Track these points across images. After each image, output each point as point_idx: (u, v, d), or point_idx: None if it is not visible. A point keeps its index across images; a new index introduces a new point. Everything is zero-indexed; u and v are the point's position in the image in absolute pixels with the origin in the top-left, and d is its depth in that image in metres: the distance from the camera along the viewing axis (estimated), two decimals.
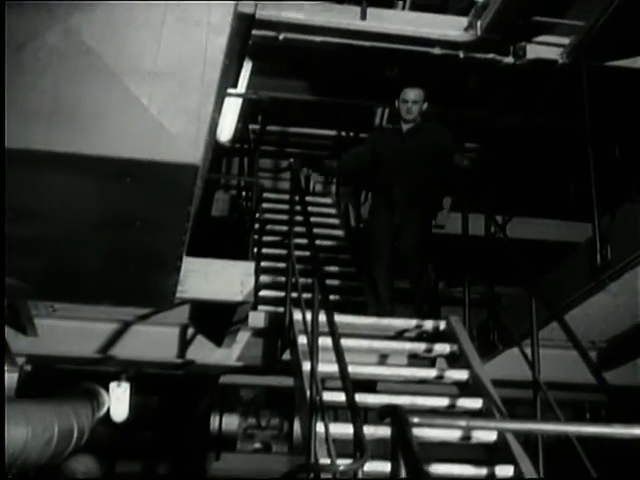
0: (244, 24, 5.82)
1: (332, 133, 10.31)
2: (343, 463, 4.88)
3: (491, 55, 7.60)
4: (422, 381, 6.50)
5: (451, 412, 6.06)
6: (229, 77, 6.10)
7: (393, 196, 7.30)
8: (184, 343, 7.79)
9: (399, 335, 6.90)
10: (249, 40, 6.67)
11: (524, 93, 8.31)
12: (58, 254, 5.27)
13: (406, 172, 7.30)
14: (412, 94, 7.30)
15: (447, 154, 7.37)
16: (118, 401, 9.36)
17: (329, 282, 6.70)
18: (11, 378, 7.09)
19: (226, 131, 8.44)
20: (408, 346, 6.71)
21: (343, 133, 10.20)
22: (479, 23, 7.44)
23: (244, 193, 8.80)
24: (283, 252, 7.50)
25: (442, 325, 6.81)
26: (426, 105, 7.40)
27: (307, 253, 6.56)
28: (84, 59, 4.05)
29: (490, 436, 5.74)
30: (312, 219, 6.99)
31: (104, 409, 9.22)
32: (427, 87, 7.36)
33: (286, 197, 8.15)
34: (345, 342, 5.69)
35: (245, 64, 7.47)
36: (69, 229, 4.85)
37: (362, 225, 9.01)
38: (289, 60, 8.52)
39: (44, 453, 6.83)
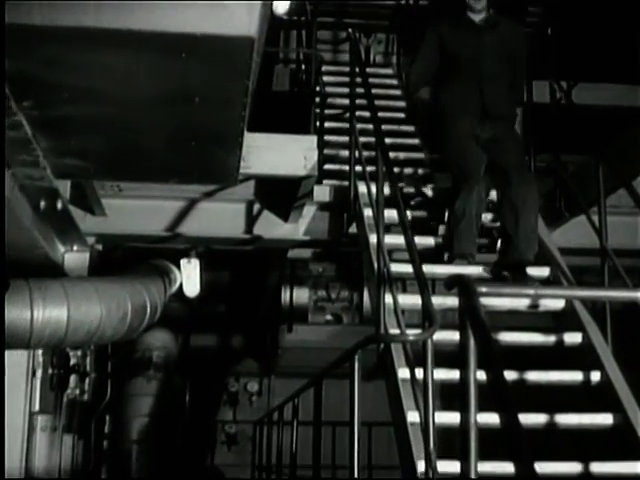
0: None
1: (391, 2, 10.02)
2: (412, 333, 4.91)
3: None
4: (489, 250, 6.48)
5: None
6: None
7: (479, 104, 6.45)
8: (251, 219, 7.83)
9: None
10: None
11: None
12: (118, 133, 5.27)
13: (490, 75, 6.48)
14: None
15: (522, 60, 6.65)
16: (189, 277, 9.50)
17: (392, 154, 6.61)
18: (82, 258, 7.22)
19: (282, 3, 8.26)
20: None
21: (403, 1, 9.91)
22: None
23: (303, 67, 8.66)
24: (345, 125, 7.40)
25: None
26: None
27: (369, 126, 6.48)
28: None
29: (558, 304, 5.71)
30: (373, 90, 6.85)
31: (176, 285, 9.38)
32: None
33: (346, 69, 7.99)
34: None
35: None
36: (127, 107, 4.83)
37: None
38: None
39: (119, 329, 6.99)
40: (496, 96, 6.43)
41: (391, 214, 5.69)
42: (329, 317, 11.37)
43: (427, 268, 5.38)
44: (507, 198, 6.18)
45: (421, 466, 4.64)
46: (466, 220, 6.07)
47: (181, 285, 9.48)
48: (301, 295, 11.23)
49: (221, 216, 7.79)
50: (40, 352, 7.36)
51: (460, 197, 6.10)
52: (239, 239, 7.98)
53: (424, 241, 6.32)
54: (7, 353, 6.71)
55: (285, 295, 11.19)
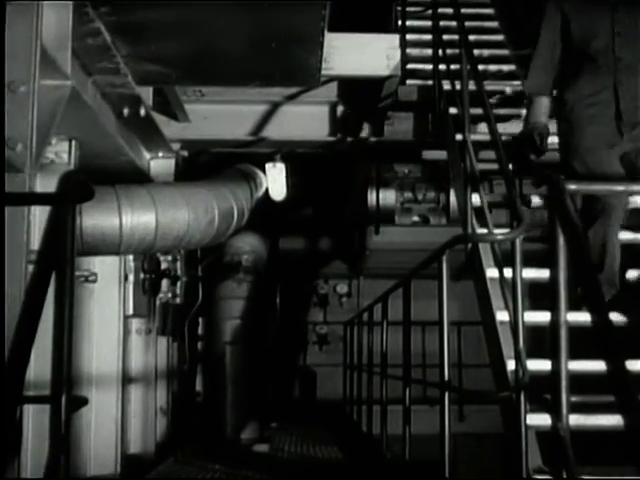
0: None
1: None
2: (501, 232, 4.85)
3: None
4: None
5: None
6: None
7: (616, 107, 5.00)
8: (334, 121, 7.76)
9: None
10: None
11: None
12: (198, 36, 5.24)
13: (629, 68, 5.03)
14: None
15: None
16: (275, 181, 9.52)
17: (476, 51, 6.43)
18: (168, 164, 7.28)
19: None
20: None
21: None
22: None
23: None
24: (428, 23, 7.20)
25: None
26: None
27: (452, 23, 6.31)
28: None
29: None
30: None
31: (262, 189, 9.41)
32: None
33: None
34: (497, 111, 5.54)
35: None
36: (207, 9, 4.77)
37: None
38: None
39: (207, 233, 7.06)
40: (633, 97, 5.02)
41: (477, 112, 5.58)
42: (416, 218, 11.31)
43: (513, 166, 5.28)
44: None
45: (511, 365, 4.62)
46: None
47: (267, 189, 9.51)
48: (387, 197, 11.17)
49: (304, 119, 7.75)
50: (131, 258, 7.49)
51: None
52: (323, 142, 7.94)
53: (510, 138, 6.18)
54: (100, 259, 6.85)
55: (371, 197, 11.16)
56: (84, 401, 3.34)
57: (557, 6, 5.16)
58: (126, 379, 7.54)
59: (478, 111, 5.50)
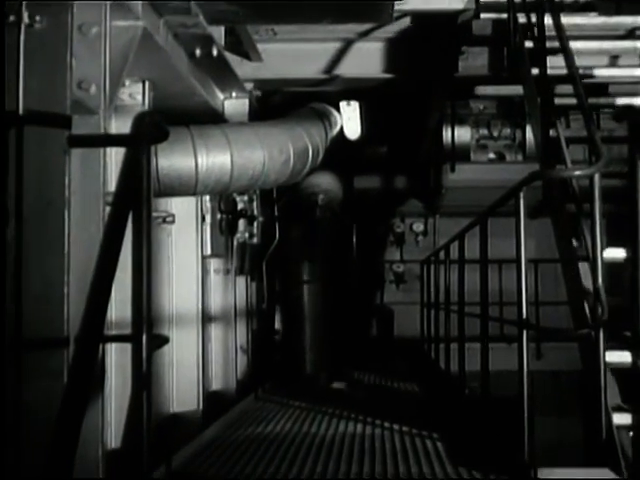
0: None
1: None
2: (579, 168, 4.78)
3: None
4: None
5: None
6: None
7: None
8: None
9: (630, 34, 6.47)
10: None
11: None
12: None
13: None
14: None
15: None
16: (349, 120, 9.48)
17: None
18: (242, 104, 7.27)
19: None
20: None
21: None
22: None
23: None
24: None
25: None
26: None
27: None
28: None
29: None
30: None
31: (337, 128, 9.37)
32: None
33: None
34: (573, 44, 5.43)
35: None
36: None
37: None
38: None
39: (282, 173, 7.07)
40: None
41: (553, 45, 5.46)
42: (492, 155, 11.18)
43: (592, 101, 5.17)
44: None
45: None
46: None
47: (342, 128, 9.47)
48: (463, 134, 11.06)
49: (378, 56, 7.67)
50: (208, 198, 7.55)
51: None
52: (397, 78, 7.86)
53: (588, 72, 6.05)
54: (176, 200, 6.93)
55: (446, 134, 11.05)
56: (165, 340, 3.40)
57: None
58: (206, 318, 7.65)
59: (554, 44, 5.38)
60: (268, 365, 10.61)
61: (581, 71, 5.18)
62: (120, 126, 4.59)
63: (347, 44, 7.61)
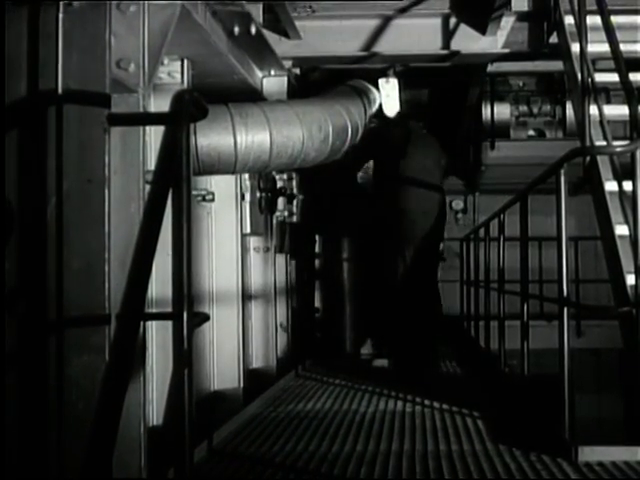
0: None
1: None
2: (620, 144, 4.73)
3: None
4: None
5: None
6: None
7: None
8: (447, 34, 7.61)
9: None
10: None
11: None
12: None
13: None
14: None
15: None
16: (388, 97, 9.42)
17: None
18: (280, 82, 7.25)
19: None
20: None
21: None
22: None
23: None
24: None
25: None
26: None
27: None
28: None
29: None
30: None
31: (376, 105, 9.33)
32: None
33: None
34: (615, 19, 5.36)
35: None
36: None
37: None
38: None
39: (321, 151, 7.06)
40: None
41: (594, 20, 5.39)
42: (532, 132, 11.12)
43: (634, 76, 5.11)
44: None
45: (631, 279, 4.55)
46: None
47: (381, 105, 9.43)
48: (502, 111, 11.01)
49: (417, 32, 7.62)
50: (247, 177, 7.55)
51: None
52: (436, 55, 7.81)
53: (630, 48, 5.97)
54: (216, 179, 6.94)
55: (486, 111, 11.00)
56: (206, 317, 3.42)
57: None
58: (246, 296, 7.67)
59: (596, 20, 5.31)
60: (308, 343, 10.64)
61: (622, 46, 5.11)
62: (159, 105, 4.59)
63: (386, 21, 7.57)
